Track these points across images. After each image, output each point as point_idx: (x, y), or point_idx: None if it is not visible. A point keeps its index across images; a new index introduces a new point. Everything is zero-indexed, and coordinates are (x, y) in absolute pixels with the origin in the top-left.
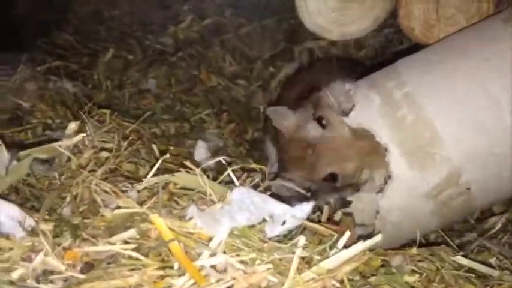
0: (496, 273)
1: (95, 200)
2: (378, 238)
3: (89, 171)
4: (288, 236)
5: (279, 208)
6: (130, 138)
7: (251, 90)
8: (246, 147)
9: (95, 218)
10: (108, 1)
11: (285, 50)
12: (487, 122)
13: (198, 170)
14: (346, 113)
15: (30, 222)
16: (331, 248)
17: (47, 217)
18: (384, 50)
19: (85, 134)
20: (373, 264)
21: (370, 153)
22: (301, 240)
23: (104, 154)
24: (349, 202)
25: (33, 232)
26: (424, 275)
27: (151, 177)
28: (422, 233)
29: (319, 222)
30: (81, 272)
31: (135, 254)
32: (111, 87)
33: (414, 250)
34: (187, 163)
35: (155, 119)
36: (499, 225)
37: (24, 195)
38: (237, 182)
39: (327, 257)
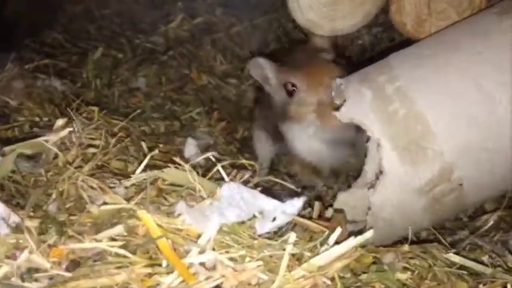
0: (488, 270)
1: (82, 197)
2: (369, 234)
3: (75, 168)
4: (278, 233)
5: (269, 204)
6: (119, 135)
7: (242, 89)
8: (236, 145)
9: (81, 214)
10: (99, 0)
11: (276, 49)
12: (480, 117)
13: (187, 166)
14: (337, 108)
15: (15, 219)
16: (322, 244)
17: (32, 214)
18: (374, 47)
19: (71, 129)
20: (364, 262)
21: None
22: (292, 236)
23: (92, 151)
24: None
25: (17, 229)
26: (416, 272)
27: (140, 173)
28: (414, 230)
29: (310, 218)
30: (67, 269)
31: (122, 252)
32: (101, 86)
33: (406, 247)
34: (176, 159)
35: (145, 117)
36: (490, 223)
37: (9, 192)
38: (226, 178)
39: (318, 254)
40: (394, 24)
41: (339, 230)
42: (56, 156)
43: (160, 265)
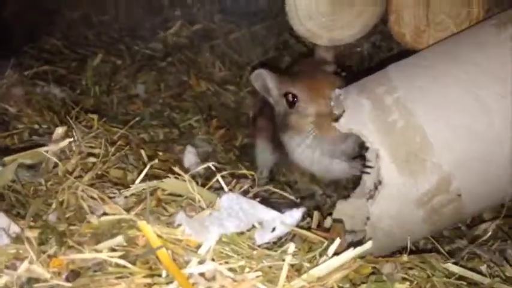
0: (486, 280)
1: (82, 207)
2: (368, 245)
3: (75, 177)
4: (277, 243)
5: (268, 215)
6: (118, 143)
7: (240, 96)
8: (235, 153)
9: (81, 224)
10: (97, 6)
11: (274, 56)
12: (478, 128)
13: (186, 176)
14: (336, 119)
15: (15, 229)
16: (321, 255)
17: (32, 224)
18: (373, 57)
19: (72, 139)
20: (363, 272)
21: None
22: (291, 247)
23: (91, 160)
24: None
25: (18, 239)
26: (415, 282)
27: (139, 183)
28: (413, 240)
29: (309, 228)
30: (67, 280)
31: (122, 262)
32: (100, 93)
33: (405, 257)
34: (176, 169)
35: (144, 125)
36: (489, 232)
37: (9, 202)
38: (226, 188)
39: (317, 265)
40: (393, 35)
41: (338, 241)
42: (55, 165)
43: (160, 275)
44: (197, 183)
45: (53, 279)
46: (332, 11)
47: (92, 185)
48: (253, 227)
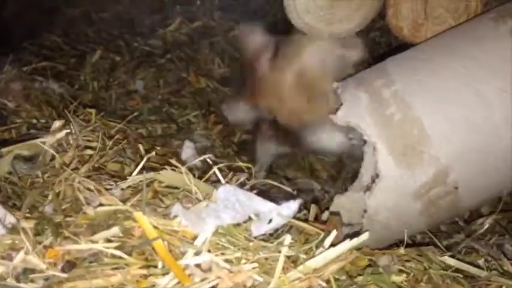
0: (483, 273)
1: (78, 198)
2: (364, 237)
3: (72, 170)
4: (274, 235)
5: (265, 206)
6: (116, 137)
7: None
8: (233, 149)
9: (78, 216)
10: (97, 3)
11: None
12: (476, 121)
13: (183, 168)
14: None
15: (10, 219)
16: (317, 247)
17: (28, 215)
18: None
19: (68, 131)
20: (360, 264)
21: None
22: (287, 239)
23: (89, 152)
24: None
25: (13, 230)
26: (412, 274)
27: (136, 175)
28: (410, 233)
29: (306, 220)
30: (63, 270)
31: (118, 253)
32: (98, 88)
33: (401, 250)
34: (173, 161)
35: (142, 120)
36: (486, 226)
37: (5, 194)
38: (223, 180)
39: (313, 256)
40: (391, 29)
41: (334, 233)
42: (52, 158)
43: (156, 266)
44: (194, 175)
45: (48, 270)
46: (330, 4)
47: (88, 177)
48: (250, 218)
